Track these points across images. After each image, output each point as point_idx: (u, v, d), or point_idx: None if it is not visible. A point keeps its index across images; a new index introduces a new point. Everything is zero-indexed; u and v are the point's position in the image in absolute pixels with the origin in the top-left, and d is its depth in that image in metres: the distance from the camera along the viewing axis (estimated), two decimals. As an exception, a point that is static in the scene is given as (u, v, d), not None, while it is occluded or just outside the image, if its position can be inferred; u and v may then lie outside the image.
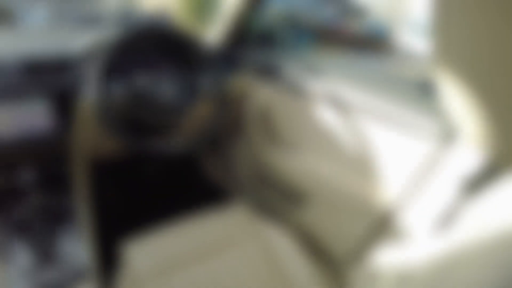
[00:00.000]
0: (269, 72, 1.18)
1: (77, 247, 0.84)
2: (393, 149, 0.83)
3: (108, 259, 0.95)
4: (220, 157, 1.68)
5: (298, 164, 1.05)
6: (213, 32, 1.36)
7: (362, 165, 0.92)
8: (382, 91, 0.86)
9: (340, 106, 0.94)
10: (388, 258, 0.51)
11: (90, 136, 0.98)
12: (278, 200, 1.26)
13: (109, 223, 1.50)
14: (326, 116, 0.99)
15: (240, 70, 1.27)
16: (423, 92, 0.80)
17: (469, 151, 0.69)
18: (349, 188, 0.91)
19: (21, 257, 0.78)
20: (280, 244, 0.90)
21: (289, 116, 1.13)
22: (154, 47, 1.10)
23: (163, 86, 0.88)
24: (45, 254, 0.80)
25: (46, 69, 0.87)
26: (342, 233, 0.99)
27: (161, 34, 0.91)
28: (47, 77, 0.86)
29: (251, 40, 1.35)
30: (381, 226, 0.87)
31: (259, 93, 1.23)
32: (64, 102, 0.86)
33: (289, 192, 1.23)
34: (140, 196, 1.71)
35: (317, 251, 1.12)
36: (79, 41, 1.04)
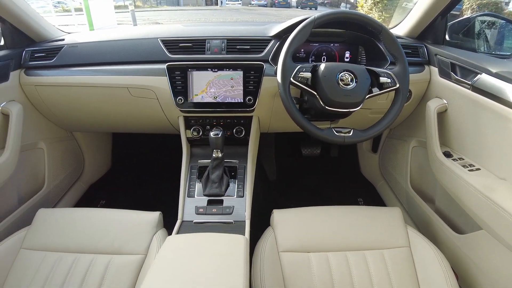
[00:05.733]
0: (461, 71, 1.02)
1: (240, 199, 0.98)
2: None
3: (261, 216, 1.05)
4: (381, 155, 1.61)
5: (475, 184, 0.88)
6: (397, 23, 1.27)
7: None
8: None
9: None
10: None
11: (269, 109, 1.08)
12: (436, 216, 1.13)
13: (269, 186, 1.65)
14: None
15: (424, 63, 1.15)
16: None
17: None
18: None
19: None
20: (425, 256, 0.83)
21: (473, 123, 0.96)
22: (342, 31, 1.09)
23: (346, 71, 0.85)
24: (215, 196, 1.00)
25: (242, 44, 1.01)
26: (506, 277, 0.83)
27: (353, 19, 0.88)
28: (243, 51, 1.01)
29: (441, 35, 1.20)
30: None
31: (443, 92, 1.09)
32: (254, 75, 0.98)
33: (453, 212, 1.07)
34: (297, 173, 1.82)
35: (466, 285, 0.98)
36: (268, 20, 1.16)
